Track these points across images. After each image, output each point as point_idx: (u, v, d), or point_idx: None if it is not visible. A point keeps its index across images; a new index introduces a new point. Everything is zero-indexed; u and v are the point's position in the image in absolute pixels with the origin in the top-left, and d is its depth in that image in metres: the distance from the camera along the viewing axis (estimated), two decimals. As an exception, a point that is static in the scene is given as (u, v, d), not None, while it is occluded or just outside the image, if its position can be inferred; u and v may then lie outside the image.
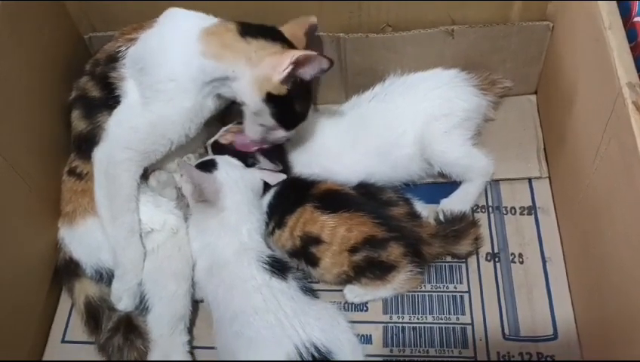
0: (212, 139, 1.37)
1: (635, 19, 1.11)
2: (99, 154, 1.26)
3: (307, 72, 1.18)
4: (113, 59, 1.30)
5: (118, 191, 1.24)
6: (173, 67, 1.21)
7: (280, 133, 1.27)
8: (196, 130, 1.27)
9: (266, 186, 1.34)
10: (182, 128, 1.24)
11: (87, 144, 1.30)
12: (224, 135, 1.36)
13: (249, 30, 1.20)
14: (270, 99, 1.19)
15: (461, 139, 1.36)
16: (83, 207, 1.29)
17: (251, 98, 1.20)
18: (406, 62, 1.42)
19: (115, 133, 1.25)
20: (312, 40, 1.31)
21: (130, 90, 1.26)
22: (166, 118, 1.23)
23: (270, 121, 1.23)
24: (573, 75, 1.23)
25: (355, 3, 1.36)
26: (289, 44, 1.21)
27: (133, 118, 1.24)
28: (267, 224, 1.31)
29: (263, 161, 1.34)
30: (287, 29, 1.25)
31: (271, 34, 1.21)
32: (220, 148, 1.36)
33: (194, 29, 1.21)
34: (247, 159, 1.33)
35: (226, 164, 1.28)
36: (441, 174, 1.39)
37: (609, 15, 1.03)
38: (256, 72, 1.17)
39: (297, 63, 1.14)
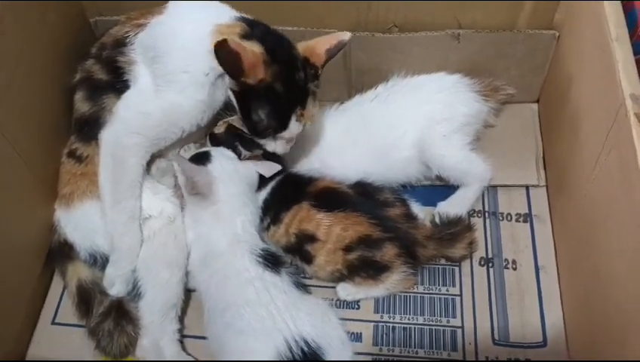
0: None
1: (642, 32, 1.11)
2: (106, 136, 1.25)
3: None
4: (121, 43, 1.29)
5: (124, 176, 1.23)
6: (186, 60, 1.21)
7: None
8: (208, 119, 1.27)
9: (264, 181, 1.34)
10: (194, 118, 1.24)
11: (89, 126, 1.30)
12: (219, 125, 1.36)
13: (252, 34, 1.18)
14: (234, 93, 1.20)
15: (460, 144, 1.36)
16: (81, 190, 1.28)
17: (228, 90, 1.22)
18: (411, 64, 1.43)
19: (124, 117, 1.24)
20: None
21: (140, 74, 1.25)
22: (179, 107, 1.22)
23: (241, 119, 1.24)
24: (577, 85, 1.24)
25: (364, 2, 1.37)
26: (281, 55, 1.17)
27: (144, 103, 1.23)
28: (262, 219, 1.31)
29: (243, 150, 1.33)
30: (310, 44, 1.22)
31: (271, 40, 1.18)
32: (215, 139, 1.36)
33: (207, 24, 1.20)
34: (237, 150, 1.33)
35: (221, 157, 1.28)
36: (439, 178, 1.39)
37: (616, 27, 1.04)
38: None
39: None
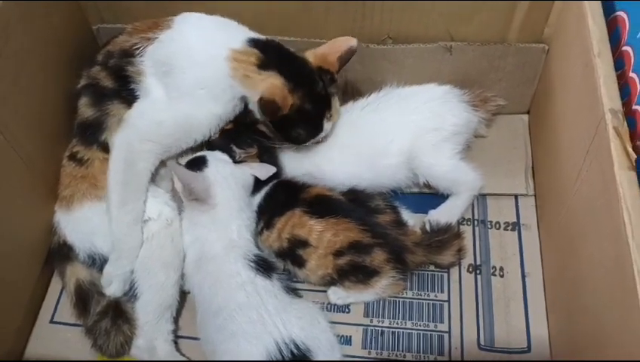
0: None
1: (624, 48, 1.14)
2: (119, 141, 1.29)
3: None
4: (129, 54, 1.33)
5: (133, 179, 1.28)
6: (204, 77, 1.28)
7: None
8: (217, 129, 1.34)
9: (258, 186, 1.37)
10: (207, 130, 1.32)
11: (91, 130, 1.33)
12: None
13: (268, 62, 1.26)
14: (269, 123, 1.31)
15: (449, 153, 1.38)
16: (81, 193, 1.31)
17: (259, 117, 1.31)
18: (404, 75, 1.46)
19: (138, 125, 1.29)
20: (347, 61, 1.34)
21: (152, 85, 1.31)
22: (194, 118, 1.30)
23: (276, 135, 1.35)
24: (563, 98, 1.26)
25: (359, 14, 1.40)
26: (301, 77, 1.27)
27: (159, 113, 1.29)
28: (256, 224, 1.34)
29: (238, 151, 1.37)
30: (320, 52, 1.32)
31: (287, 65, 1.27)
32: (210, 145, 1.39)
33: (221, 47, 1.27)
34: (232, 154, 1.37)
35: (217, 161, 1.31)
36: (427, 185, 1.42)
37: (599, 43, 1.06)
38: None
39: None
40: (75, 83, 1.38)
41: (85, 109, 1.35)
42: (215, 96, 1.29)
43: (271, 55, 1.27)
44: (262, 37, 1.32)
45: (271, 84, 1.24)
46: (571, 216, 1.17)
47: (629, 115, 1.07)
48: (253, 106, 1.29)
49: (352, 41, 1.30)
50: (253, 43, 1.29)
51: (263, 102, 1.22)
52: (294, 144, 1.36)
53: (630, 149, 0.94)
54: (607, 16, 1.12)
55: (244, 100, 1.32)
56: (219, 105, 1.30)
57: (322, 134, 1.34)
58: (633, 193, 0.91)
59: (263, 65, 1.26)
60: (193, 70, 1.28)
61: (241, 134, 1.37)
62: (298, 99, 1.26)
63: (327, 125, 1.33)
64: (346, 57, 1.32)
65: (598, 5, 1.12)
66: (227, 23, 1.33)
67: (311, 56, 1.32)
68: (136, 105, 1.31)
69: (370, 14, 1.40)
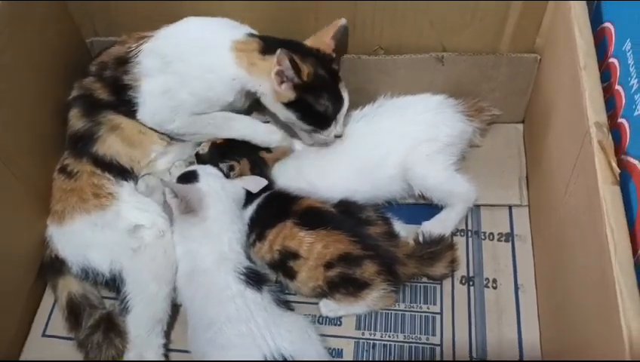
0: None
1: (610, 60, 1.13)
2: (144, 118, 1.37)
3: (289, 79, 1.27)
4: (123, 60, 1.35)
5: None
6: (210, 65, 1.30)
7: (323, 135, 1.37)
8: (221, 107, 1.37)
9: (250, 199, 1.37)
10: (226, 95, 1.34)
11: (83, 142, 1.34)
12: (203, 146, 1.41)
13: (269, 47, 1.27)
14: (289, 106, 1.30)
15: (444, 165, 1.38)
16: (71, 206, 1.32)
17: (275, 109, 1.32)
18: (397, 85, 1.45)
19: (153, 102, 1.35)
20: (342, 41, 1.39)
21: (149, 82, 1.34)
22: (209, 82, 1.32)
23: (303, 125, 1.34)
24: (553, 110, 1.26)
25: (349, 22, 1.38)
26: (305, 50, 1.30)
27: (166, 85, 1.33)
28: (248, 236, 1.34)
29: (227, 171, 1.38)
30: (315, 37, 1.35)
31: (289, 45, 1.27)
32: (200, 159, 1.41)
33: (225, 38, 1.30)
34: (222, 169, 1.38)
35: (207, 175, 1.32)
36: (422, 196, 1.40)
37: (585, 56, 1.05)
38: (271, 86, 1.27)
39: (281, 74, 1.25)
40: (68, 96, 1.39)
41: (76, 121, 1.37)
42: (224, 81, 1.31)
43: (271, 42, 1.29)
44: (257, 33, 1.35)
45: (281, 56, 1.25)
46: (561, 228, 1.17)
47: (614, 128, 1.05)
48: (265, 96, 1.31)
49: (341, 21, 1.35)
50: (253, 35, 1.32)
51: (282, 57, 1.21)
52: (321, 128, 1.35)
53: (614, 164, 0.93)
54: (595, 27, 1.11)
55: (250, 96, 1.35)
56: (230, 92, 1.32)
57: (344, 106, 1.35)
58: (616, 208, 0.90)
59: (265, 51, 1.28)
60: (198, 59, 1.31)
61: (230, 150, 1.38)
62: (311, 65, 1.28)
63: (345, 95, 1.35)
64: (339, 34, 1.35)
65: (586, 16, 1.11)
66: (228, 22, 1.35)
67: (307, 42, 1.35)
68: (142, 92, 1.34)
69: (361, 24, 1.40)
